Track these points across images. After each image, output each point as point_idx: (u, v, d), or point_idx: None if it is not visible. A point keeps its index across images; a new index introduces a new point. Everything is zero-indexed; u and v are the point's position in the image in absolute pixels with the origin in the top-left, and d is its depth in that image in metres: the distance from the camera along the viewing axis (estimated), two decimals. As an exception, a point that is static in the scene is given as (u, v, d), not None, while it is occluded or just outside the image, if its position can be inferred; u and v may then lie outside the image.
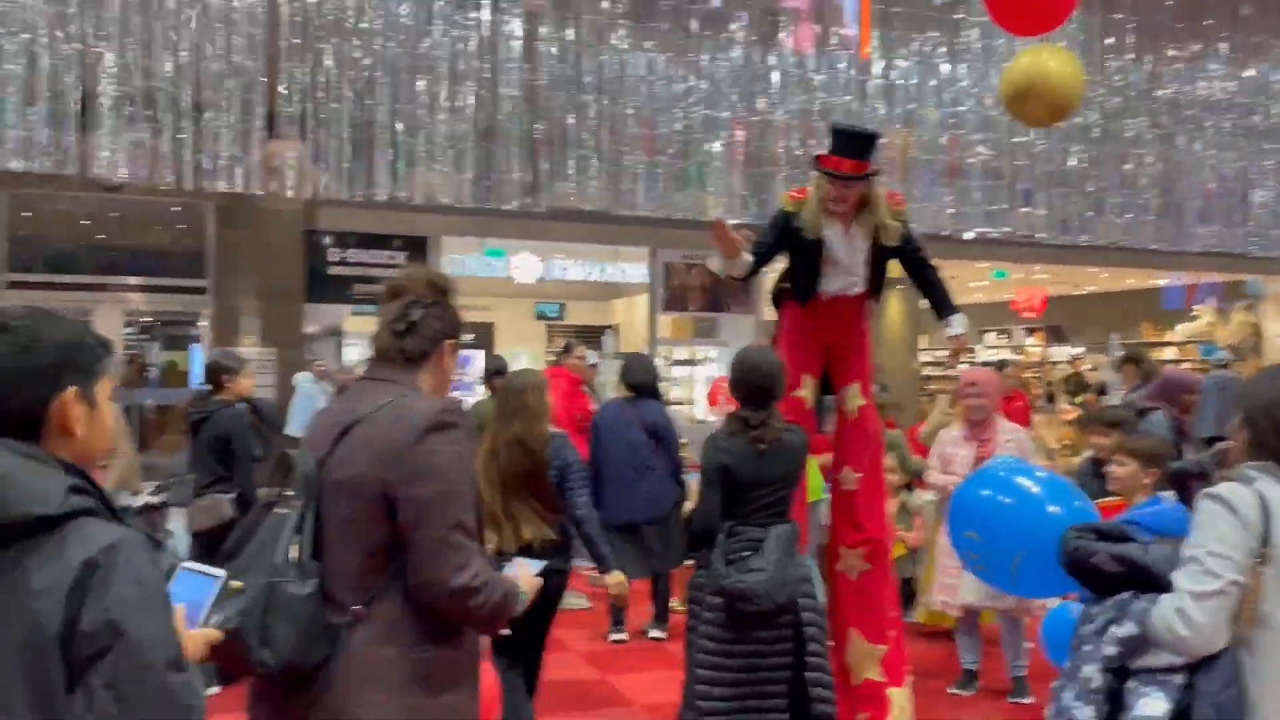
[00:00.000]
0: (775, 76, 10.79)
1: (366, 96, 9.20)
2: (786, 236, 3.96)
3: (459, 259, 12.19)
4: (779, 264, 4.22)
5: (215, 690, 4.21)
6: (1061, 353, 18.45)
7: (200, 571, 1.71)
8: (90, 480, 1.38)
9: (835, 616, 4.00)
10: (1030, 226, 11.74)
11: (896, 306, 13.76)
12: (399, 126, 9.30)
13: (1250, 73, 12.31)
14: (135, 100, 8.41)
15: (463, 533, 1.91)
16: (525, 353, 17.83)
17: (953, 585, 5.10)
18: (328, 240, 11.14)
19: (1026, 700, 4.97)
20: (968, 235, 11.36)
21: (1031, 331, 19.70)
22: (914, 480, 6.35)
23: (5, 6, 8.06)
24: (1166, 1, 11.39)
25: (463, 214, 10.54)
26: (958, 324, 4.15)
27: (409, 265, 10.76)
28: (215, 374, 5.27)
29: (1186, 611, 1.71)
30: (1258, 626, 1.72)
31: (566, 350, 7.91)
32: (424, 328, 2.12)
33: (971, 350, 19.94)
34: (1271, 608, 1.73)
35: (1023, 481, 2.49)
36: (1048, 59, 4.88)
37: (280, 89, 8.86)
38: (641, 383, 6.17)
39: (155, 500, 5.31)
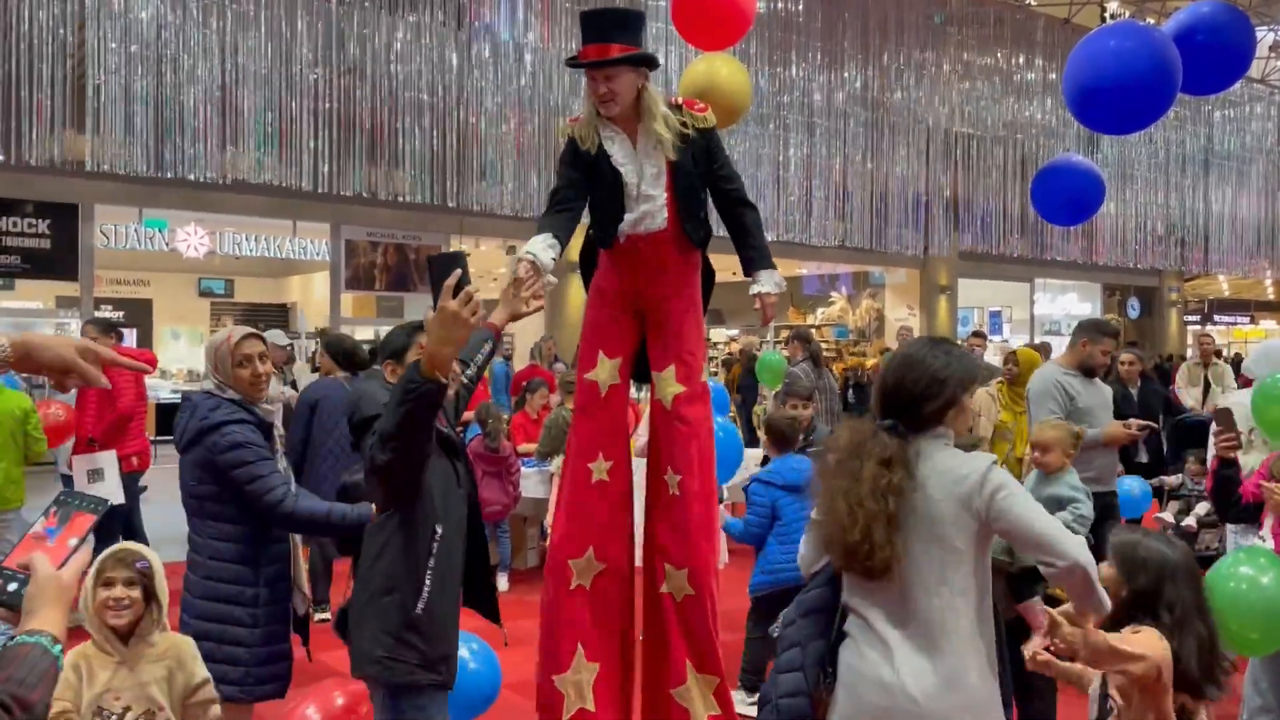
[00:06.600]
0: (457, 57, 10.89)
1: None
2: (579, 168, 3.26)
3: (113, 229, 11.11)
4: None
5: None
6: (720, 334, 20.09)
7: None
8: None
9: (660, 650, 3.39)
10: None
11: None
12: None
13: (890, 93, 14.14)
14: None
15: None
16: (185, 331, 16.57)
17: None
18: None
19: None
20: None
21: (695, 314, 21.24)
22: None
23: None
24: (815, 24, 12.80)
25: (123, 181, 9.68)
26: (766, 280, 3.36)
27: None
28: None
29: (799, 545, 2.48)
30: None
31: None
32: None
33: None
34: None
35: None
36: (720, 66, 5.26)
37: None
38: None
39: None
